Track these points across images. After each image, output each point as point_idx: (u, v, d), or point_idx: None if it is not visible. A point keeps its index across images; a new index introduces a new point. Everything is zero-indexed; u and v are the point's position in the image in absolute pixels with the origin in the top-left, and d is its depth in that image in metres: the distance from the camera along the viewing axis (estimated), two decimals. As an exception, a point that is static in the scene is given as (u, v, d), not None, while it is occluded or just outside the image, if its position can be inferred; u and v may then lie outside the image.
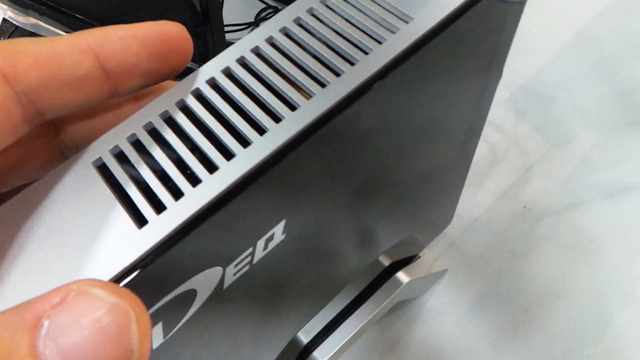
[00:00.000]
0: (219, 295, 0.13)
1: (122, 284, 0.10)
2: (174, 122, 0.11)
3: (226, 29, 0.35)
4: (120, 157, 0.11)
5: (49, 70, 0.10)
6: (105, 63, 0.11)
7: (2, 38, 0.49)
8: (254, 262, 0.14)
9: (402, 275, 0.28)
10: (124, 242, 0.10)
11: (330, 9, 0.13)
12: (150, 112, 0.11)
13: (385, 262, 0.28)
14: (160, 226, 0.10)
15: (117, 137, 0.11)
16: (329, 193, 0.15)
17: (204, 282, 0.12)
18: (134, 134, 0.11)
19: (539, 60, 0.39)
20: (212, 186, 0.11)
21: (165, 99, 0.12)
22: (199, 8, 0.24)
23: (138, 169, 0.11)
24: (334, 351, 0.26)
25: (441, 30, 0.13)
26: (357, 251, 0.23)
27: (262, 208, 0.12)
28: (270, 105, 0.12)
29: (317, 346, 0.26)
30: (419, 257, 0.31)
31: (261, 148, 0.11)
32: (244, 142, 0.11)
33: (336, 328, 0.27)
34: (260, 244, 0.13)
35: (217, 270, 0.12)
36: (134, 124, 0.11)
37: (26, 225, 0.10)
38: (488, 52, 0.16)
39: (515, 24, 0.16)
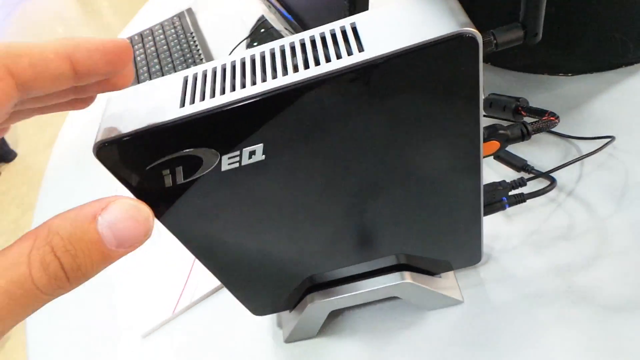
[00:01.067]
0: (219, 173, 0.23)
1: (161, 128, 0.21)
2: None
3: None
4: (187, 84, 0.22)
5: (39, 69, 0.16)
6: (76, 66, 0.17)
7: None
8: (242, 164, 0.23)
9: (405, 275, 0.33)
10: (170, 113, 0.21)
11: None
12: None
13: (402, 260, 0.33)
14: (188, 110, 0.21)
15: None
16: (307, 157, 0.23)
17: (207, 156, 0.22)
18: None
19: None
20: (229, 97, 0.20)
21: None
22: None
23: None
24: (327, 299, 0.33)
25: (387, 59, 0.19)
26: (375, 239, 0.30)
27: (245, 126, 0.21)
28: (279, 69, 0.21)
29: (318, 290, 0.34)
30: (439, 275, 0.35)
31: (260, 88, 0.20)
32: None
33: (338, 285, 0.33)
34: (245, 153, 0.22)
35: (215, 153, 0.22)
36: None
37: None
38: (451, 87, 0.21)
39: (476, 58, 0.20)
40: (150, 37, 0.79)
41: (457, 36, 0.19)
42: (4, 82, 0.15)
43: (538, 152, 0.40)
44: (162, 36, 0.77)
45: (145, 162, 0.22)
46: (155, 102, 0.22)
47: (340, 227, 0.29)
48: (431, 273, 0.35)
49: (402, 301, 0.36)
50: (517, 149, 0.38)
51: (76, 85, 0.18)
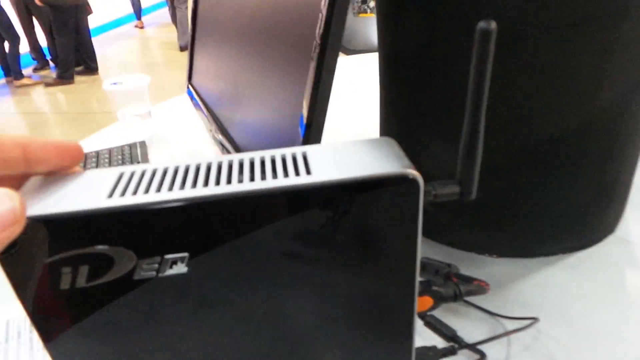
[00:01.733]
0: (130, 282, 0.20)
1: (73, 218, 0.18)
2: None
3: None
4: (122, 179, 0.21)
5: None
6: (28, 155, 0.20)
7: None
8: (159, 275, 0.20)
9: None
10: (93, 202, 0.19)
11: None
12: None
13: None
14: (116, 201, 0.19)
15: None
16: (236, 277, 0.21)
17: (121, 258, 0.19)
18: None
19: None
20: (164, 196, 0.19)
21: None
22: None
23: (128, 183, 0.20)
24: None
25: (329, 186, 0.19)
26: None
27: (173, 231, 0.19)
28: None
29: None
30: None
31: (192, 193, 0.19)
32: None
33: None
34: (167, 261, 0.20)
35: (132, 255, 0.20)
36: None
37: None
38: (391, 224, 0.21)
39: (416, 200, 0.20)
40: (94, 159, 0.79)
41: (401, 175, 0.20)
42: None
43: (466, 325, 0.40)
44: (106, 159, 0.77)
45: (47, 252, 0.19)
46: (80, 188, 0.20)
47: None
48: None
49: None
50: (446, 320, 0.37)
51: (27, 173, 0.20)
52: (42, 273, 0.19)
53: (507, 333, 0.36)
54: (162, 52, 4.82)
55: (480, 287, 0.28)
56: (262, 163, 0.21)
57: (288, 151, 0.22)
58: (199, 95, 0.77)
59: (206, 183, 0.20)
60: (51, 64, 4.12)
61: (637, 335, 0.39)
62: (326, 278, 0.22)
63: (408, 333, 0.25)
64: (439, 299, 0.26)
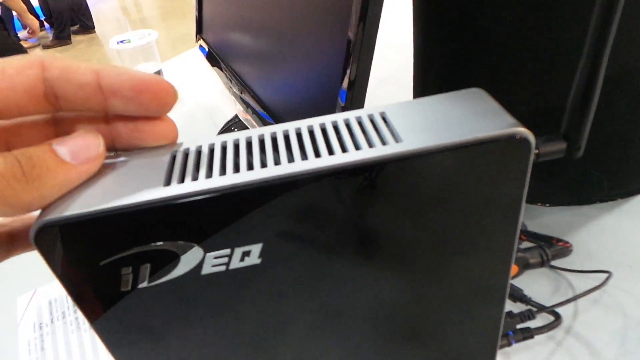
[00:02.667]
0: (197, 277, 0.18)
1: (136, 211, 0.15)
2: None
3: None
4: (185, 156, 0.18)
5: (67, 73, 0.17)
6: (102, 81, 0.17)
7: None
8: (230, 267, 0.18)
9: None
10: (149, 193, 0.16)
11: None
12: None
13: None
14: (175, 190, 0.16)
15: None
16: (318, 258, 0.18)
17: (187, 253, 0.17)
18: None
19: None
20: (231, 179, 0.16)
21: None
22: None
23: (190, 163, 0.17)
24: None
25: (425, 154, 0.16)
26: None
27: (245, 220, 0.17)
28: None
29: None
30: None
31: (264, 173, 0.16)
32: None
33: None
34: (238, 253, 0.17)
35: (198, 251, 0.17)
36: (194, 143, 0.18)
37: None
38: (494, 191, 0.18)
39: (526, 163, 0.18)
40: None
41: (509, 135, 0.17)
42: (33, 70, 0.17)
43: (529, 282, 0.37)
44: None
45: (100, 254, 0.16)
46: (131, 177, 0.17)
47: None
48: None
49: None
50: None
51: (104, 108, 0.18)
52: (99, 276, 0.17)
53: (581, 295, 0.34)
54: (160, 3, 4.62)
55: (565, 249, 0.25)
56: (337, 130, 0.18)
57: (363, 113, 0.19)
58: (212, 49, 0.72)
59: (278, 160, 0.17)
60: (46, 25, 3.99)
61: None
62: (417, 256, 0.19)
63: (500, 303, 0.22)
64: (525, 266, 0.24)
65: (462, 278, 0.20)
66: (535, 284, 0.37)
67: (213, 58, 0.70)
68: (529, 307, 0.30)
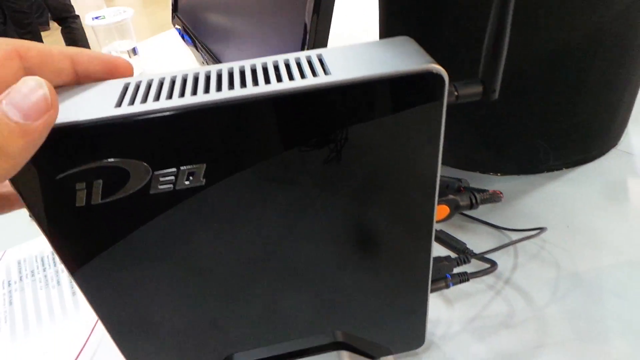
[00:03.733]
0: (147, 196, 0.19)
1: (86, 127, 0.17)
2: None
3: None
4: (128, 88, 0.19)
5: (44, 59, 0.19)
6: (76, 66, 0.20)
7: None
8: (176, 187, 0.20)
9: (344, 355, 0.29)
10: (100, 111, 0.18)
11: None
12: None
13: (340, 338, 0.29)
14: (125, 110, 0.18)
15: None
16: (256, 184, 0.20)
17: (136, 171, 0.19)
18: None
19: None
20: (176, 102, 0.18)
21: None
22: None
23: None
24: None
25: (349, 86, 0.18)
26: (311, 310, 0.26)
27: (189, 140, 0.19)
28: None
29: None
30: (377, 359, 0.31)
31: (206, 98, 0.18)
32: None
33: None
34: (183, 173, 0.19)
35: (147, 168, 0.19)
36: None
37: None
38: (414, 124, 0.20)
39: (441, 96, 0.20)
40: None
41: (425, 72, 0.19)
42: (13, 61, 0.18)
43: (476, 240, 0.40)
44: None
45: (57, 168, 0.18)
46: (86, 98, 0.19)
47: (271, 292, 0.25)
48: (370, 356, 0.31)
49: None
50: (456, 236, 0.38)
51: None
52: (56, 190, 0.19)
53: (515, 241, 0.37)
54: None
55: (495, 195, 0.28)
56: (276, 67, 0.20)
57: (302, 54, 0.21)
58: (187, 28, 0.73)
59: (219, 87, 0.19)
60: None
61: (638, 241, 0.40)
62: (346, 183, 0.21)
63: (427, 241, 0.25)
64: (455, 208, 0.26)
65: (390, 208, 0.23)
66: (481, 241, 0.40)
67: (185, 36, 0.71)
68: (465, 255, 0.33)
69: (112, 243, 0.21)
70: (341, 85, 0.18)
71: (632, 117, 0.52)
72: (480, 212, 0.42)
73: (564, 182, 0.47)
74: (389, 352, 0.31)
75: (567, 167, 0.48)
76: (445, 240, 0.37)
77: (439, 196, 0.24)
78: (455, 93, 0.22)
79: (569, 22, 0.39)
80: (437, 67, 0.19)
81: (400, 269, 0.25)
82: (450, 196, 0.27)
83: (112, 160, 0.18)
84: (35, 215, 0.19)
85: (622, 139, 0.52)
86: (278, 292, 0.25)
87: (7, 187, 0.22)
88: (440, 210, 0.27)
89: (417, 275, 0.26)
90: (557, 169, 0.48)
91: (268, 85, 0.19)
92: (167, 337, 0.25)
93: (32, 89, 0.16)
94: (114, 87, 0.20)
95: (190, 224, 0.21)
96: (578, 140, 0.47)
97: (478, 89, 0.22)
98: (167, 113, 0.18)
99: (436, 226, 0.24)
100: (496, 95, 0.22)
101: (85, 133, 0.18)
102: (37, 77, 0.17)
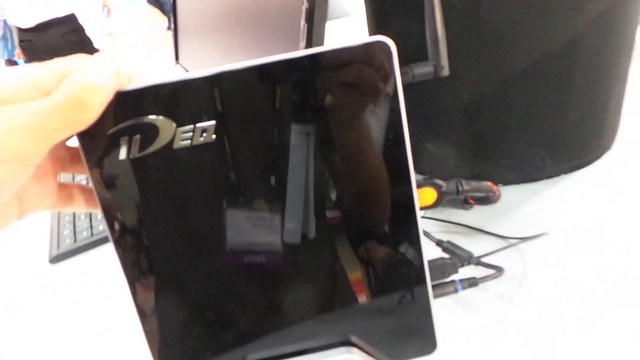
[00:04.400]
0: (171, 151, 0.26)
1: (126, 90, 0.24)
2: None
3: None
4: None
5: None
6: None
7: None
8: (193, 143, 0.26)
9: (353, 350, 0.29)
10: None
11: None
12: None
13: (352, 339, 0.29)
14: (156, 80, 0.25)
15: None
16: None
17: (164, 127, 0.25)
18: None
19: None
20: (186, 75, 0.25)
21: None
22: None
23: None
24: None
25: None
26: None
27: (202, 102, 0.25)
28: None
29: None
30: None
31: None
32: None
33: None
34: (198, 130, 0.25)
35: (172, 124, 0.25)
36: None
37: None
38: (373, 90, 0.25)
39: (390, 62, 0.25)
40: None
41: (375, 41, 0.25)
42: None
43: (482, 250, 0.42)
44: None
45: (110, 124, 0.25)
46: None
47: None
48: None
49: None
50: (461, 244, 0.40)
51: None
52: (107, 143, 0.25)
53: (515, 244, 0.39)
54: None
55: (485, 186, 0.31)
56: None
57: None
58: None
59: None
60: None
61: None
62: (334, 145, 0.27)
63: (413, 223, 0.27)
64: (442, 193, 0.30)
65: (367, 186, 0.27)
66: (487, 251, 0.42)
67: None
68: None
69: (145, 194, 0.27)
70: (311, 54, 0.25)
71: (623, 120, 0.54)
72: (483, 222, 0.46)
73: (564, 188, 0.50)
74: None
75: (565, 173, 0.51)
76: (452, 250, 0.39)
77: (427, 178, 0.29)
78: (411, 72, 0.27)
79: (548, 31, 0.44)
80: (384, 38, 0.25)
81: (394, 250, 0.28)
82: (435, 180, 0.31)
83: (148, 117, 0.25)
84: (89, 165, 0.26)
85: (615, 141, 0.54)
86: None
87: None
88: (427, 194, 0.31)
89: (411, 265, 0.28)
90: (555, 176, 0.51)
91: (256, 60, 0.25)
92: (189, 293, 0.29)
93: (107, 63, 0.23)
94: None
95: (204, 175, 0.27)
96: (572, 144, 0.50)
97: (429, 68, 0.27)
98: (188, 80, 0.25)
99: (441, 237, 0.27)
100: (446, 71, 0.28)
101: (131, 96, 0.24)
102: (110, 56, 0.23)
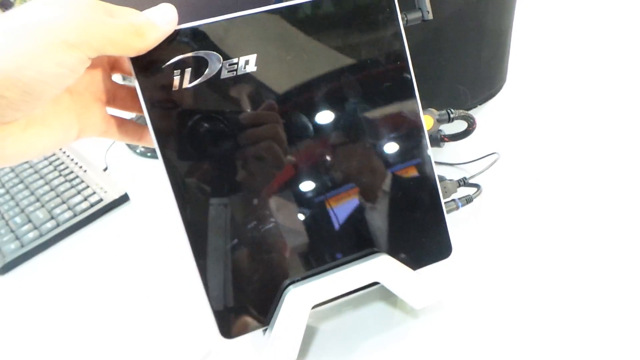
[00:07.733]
0: (218, 81, 0.29)
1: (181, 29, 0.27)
2: None
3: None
4: None
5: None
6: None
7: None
8: (238, 73, 0.30)
9: (383, 254, 0.34)
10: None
11: None
12: None
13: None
14: (205, 20, 0.28)
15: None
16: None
17: (212, 60, 0.29)
18: None
19: None
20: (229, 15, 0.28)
21: None
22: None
23: None
24: (307, 288, 0.33)
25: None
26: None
27: (245, 37, 0.29)
28: None
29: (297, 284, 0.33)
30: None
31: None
32: None
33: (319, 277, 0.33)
34: (242, 61, 0.29)
35: (219, 57, 0.29)
36: None
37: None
38: (378, 30, 0.32)
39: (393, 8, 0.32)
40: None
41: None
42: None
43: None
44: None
45: (164, 58, 0.28)
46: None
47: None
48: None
49: (383, 315, 0.38)
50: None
51: None
52: (161, 76, 0.28)
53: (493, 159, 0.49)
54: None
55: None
56: None
57: None
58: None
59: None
60: None
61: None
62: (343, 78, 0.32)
63: (423, 146, 0.34)
64: (437, 121, 0.39)
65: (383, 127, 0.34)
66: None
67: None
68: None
69: (197, 121, 0.30)
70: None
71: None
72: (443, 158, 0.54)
73: (484, 113, 0.61)
74: (422, 264, 0.35)
75: (480, 104, 0.63)
76: (442, 177, 0.45)
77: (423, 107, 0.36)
78: (406, 18, 0.34)
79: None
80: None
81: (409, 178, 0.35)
82: (430, 109, 0.39)
83: (198, 52, 0.28)
84: (144, 97, 0.28)
85: (507, 76, 0.67)
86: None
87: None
88: (426, 120, 0.38)
89: (424, 180, 0.34)
90: (473, 107, 0.63)
91: (287, 2, 0.30)
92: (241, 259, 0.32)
93: (167, 8, 0.27)
94: None
95: (248, 100, 0.31)
96: (485, 79, 0.61)
97: (418, 14, 0.34)
98: (233, 18, 0.28)
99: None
100: (430, 15, 0.34)
101: (184, 33, 0.27)
102: (169, 5, 0.27)
